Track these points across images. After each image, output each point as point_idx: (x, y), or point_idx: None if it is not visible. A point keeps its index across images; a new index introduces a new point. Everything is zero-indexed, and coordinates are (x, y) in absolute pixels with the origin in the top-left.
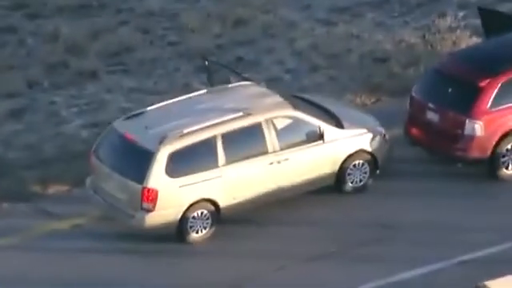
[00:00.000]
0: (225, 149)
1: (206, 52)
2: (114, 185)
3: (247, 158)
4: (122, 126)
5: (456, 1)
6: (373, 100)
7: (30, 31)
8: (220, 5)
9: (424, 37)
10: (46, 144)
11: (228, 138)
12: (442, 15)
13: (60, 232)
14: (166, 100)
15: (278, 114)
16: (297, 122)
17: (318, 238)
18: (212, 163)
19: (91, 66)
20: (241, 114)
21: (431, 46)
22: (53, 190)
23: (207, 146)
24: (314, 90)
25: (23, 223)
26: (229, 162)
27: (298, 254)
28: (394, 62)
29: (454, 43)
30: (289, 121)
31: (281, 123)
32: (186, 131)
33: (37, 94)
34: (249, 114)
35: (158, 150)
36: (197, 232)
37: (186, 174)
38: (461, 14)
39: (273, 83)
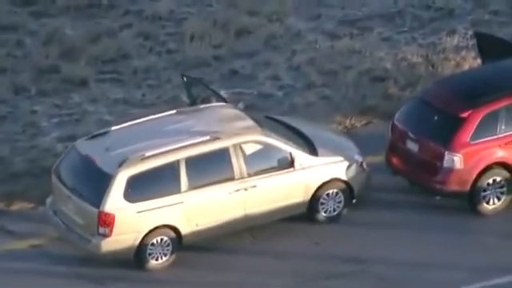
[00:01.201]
0: (188, 174)
1: (202, 63)
2: (72, 207)
3: (212, 184)
4: (84, 147)
5: (470, 18)
6: (363, 122)
7: (32, 31)
8: (229, 11)
9: (427, 56)
10: (17, 157)
11: (192, 162)
12: (452, 33)
13: (16, 252)
14: (151, 114)
15: (247, 139)
16: (267, 148)
17: (281, 269)
18: (174, 188)
19: (82, 73)
20: (208, 137)
21: (432, 66)
22: (17, 206)
23: (169, 171)
24: (303, 110)
25: None
26: (192, 187)
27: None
28: (391, 81)
29: (457, 64)
30: (258, 146)
31: (250, 149)
32: (147, 154)
33: (21, 102)
34: (216, 138)
35: (116, 173)
36: (156, 259)
37: (146, 198)
38: (470, 32)
39: (263, 100)
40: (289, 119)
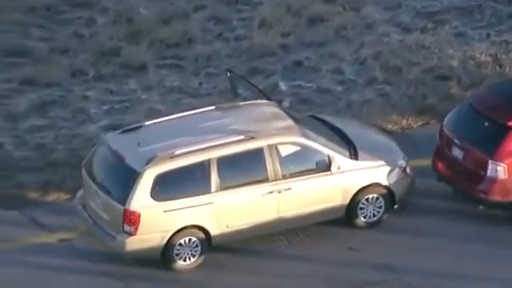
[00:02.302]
0: (219, 174)
1: (267, 52)
2: (100, 202)
3: (244, 185)
4: (115, 141)
5: None
6: (420, 123)
7: (104, 8)
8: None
9: (496, 56)
10: (59, 145)
11: (224, 162)
12: None
13: (44, 246)
14: (201, 106)
15: (283, 140)
16: (304, 150)
17: (312, 275)
18: (203, 188)
19: (142, 57)
20: (242, 137)
21: (500, 66)
22: (52, 197)
23: (200, 170)
24: (359, 107)
25: (9, 233)
26: (223, 188)
27: None
28: (455, 81)
29: None
30: (295, 148)
31: (286, 150)
32: (177, 152)
33: (75, 86)
34: (251, 138)
35: (143, 170)
36: (184, 260)
37: (174, 197)
38: None
39: (321, 95)
40: (334, 119)
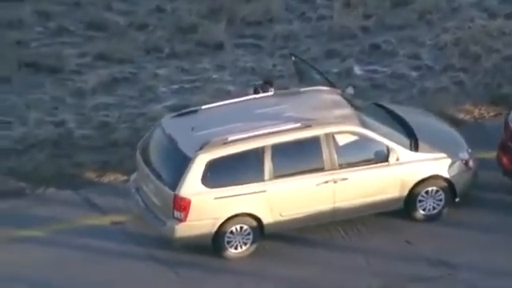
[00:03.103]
0: (273, 162)
1: (347, 34)
2: (152, 187)
3: (299, 173)
4: (169, 124)
5: None
6: (492, 113)
7: None
8: None
9: None
10: (123, 124)
11: (279, 150)
12: None
13: (96, 227)
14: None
15: (340, 129)
16: (362, 140)
17: (366, 268)
18: (257, 176)
19: (219, 35)
20: (298, 125)
21: None
22: (109, 178)
23: (253, 157)
24: (432, 95)
25: (62, 213)
26: (277, 176)
27: (339, 286)
28: None
29: None
30: (353, 137)
31: (343, 139)
32: (230, 139)
33: (148, 63)
34: (307, 126)
35: (195, 156)
36: (235, 248)
37: (226, 184)
38: None
39: (394, 80)
40: (398, 108)
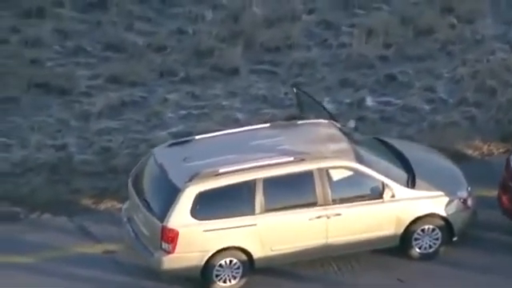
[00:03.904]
0: (265, 195)
1: (365, 63)
2: (142, 216)
3: (291, 208)
4: (162, 154)
5: None
6: (501, 150)
7: (217, 4)
8: (422, 6)
9: None
10: (125, 150)
11: (271, 183)
12: None
13: (88, 256)
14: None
15: (335, 164)
16: (357, 175)
17: None
18: (247, 209)
19: (236, 61)
20: (292, 158)
21: None
22: (106, 205)
23: (244, 190)
24: (441, 129)
25: (54, 240)
26: (268, 209)
27: None
28: None
29: None
30: (348, 172)
31: (338, 174)
32: (221, 170)
33: (160, 87)
34: (301, 160)
35: (185, 187)
36: (224, 281)
37: (215, 217)
38: None
39: (405, 113)
40: (399, 143)
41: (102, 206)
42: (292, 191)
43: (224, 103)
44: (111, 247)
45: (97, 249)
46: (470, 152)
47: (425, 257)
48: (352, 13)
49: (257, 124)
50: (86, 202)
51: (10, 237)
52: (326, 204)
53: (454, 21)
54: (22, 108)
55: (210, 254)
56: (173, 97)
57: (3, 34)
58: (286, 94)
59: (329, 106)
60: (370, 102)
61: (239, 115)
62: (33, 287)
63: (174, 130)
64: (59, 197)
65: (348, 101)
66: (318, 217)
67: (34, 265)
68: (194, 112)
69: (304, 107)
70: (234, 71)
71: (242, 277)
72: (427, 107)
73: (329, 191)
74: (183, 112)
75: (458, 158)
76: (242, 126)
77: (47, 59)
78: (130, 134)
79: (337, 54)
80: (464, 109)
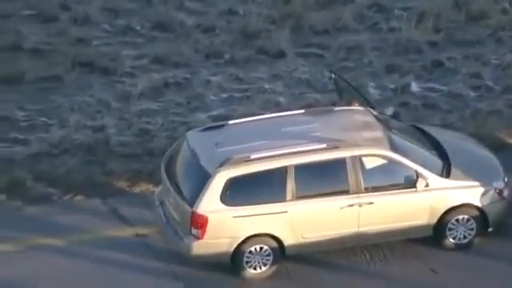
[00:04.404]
0: (296, 182)
1: (414, 48)
2: (173, 201)
3: (323, 195)
4: (195, 138)
5: None
6: None
7: None
8: None
9: None
10: (164, 132)
11: (303, 170)
12: None
13: (119, 239)
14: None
15: (368, 152)
16: (390, 164)
17: None
18: (278, 196)
19: (283, 43)
20: (325, 145)
21: None
22: (140, 188)
23: (275, 177)
24: (483, 118)
25: (86, 223)
26: (299, 197)
27: None
28: None
29: None
30: (381, 160)
31: (371, 162)
32: (253, 157)
33: (204, 68)
34: (334, 147)
35: (215, 173)
36: (255, 268)
37: (246, 203)
38: None
39: (449, 100)
40: (437, 131)
41: (137, 189)
42: (324, 179)
43: (267, 86)
44: (143, 231)
45: (128, 232)
46: (511, 141)
47: (459, 247)
48: None
49: (298, 108)
50: (121, 184)
51: (43, 218)
52: (358, 192)
53: (507, 6)
54: (65, 87)
55: (239, 241)
56: (216, 79)
57: (53, 11)
58: (330, 78)
59: (373, 92)
60: (414, 87)
61: (281, 99)
62: (60, 270)
63: (214, 113)
64: (94, 179)
65: (392, 86)
66: (350, 205)
67: (64, 247)
68: (236, 95)
69: (343, 93)
70: (280, 54)
71: (272, 264)
72: (472, 94)
73: (361, 179)
74: (225, 95)
75: (498, 146)
76: (283, 110)
77: (94, 38)
78: (170, 117)
79: (386, 39)
80: (509, 97)
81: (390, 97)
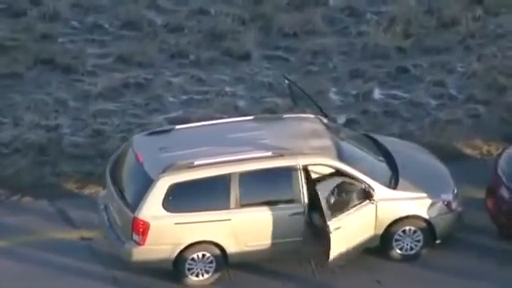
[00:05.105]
0: (241, 190)
1: (380, 54)
2: (116, 205)
3: (267, 204)
4: (140, 143)
5: None
6: (500, 150)
7: None
8: None
9: None
10: (118, 134)
11: (247, 178)
12: None
13: (64, 242)
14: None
15: (314, 161)
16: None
17: None
18: (222, 204)
19: (249, 46)
20: (270, 153)
21: None
22: (90, 190)
23: (219, 184)
24: (442, 127)
25: (33, 224)
26: (243, 205)
27: None
28: None
29: None
30: (327, 169)
31: (318, 171)
32: (197, 163)
33: (167, 69)
34: (280, 156)
35: (158, 178)
36: (197, 275)
37: (188, 210)
38: None
39: (410, 108)
40: (390, 141)
41: (86, 191)
42: (269, 187)
43: (228, 89)
44: (88, 234)
45: (74, 235)
46: (468, 151)
47: (406, 258)
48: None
49: (257, 113)
50: (70, 186)
51: None
52: (302, 201)
53: (480, 13)
54: (25, 85)
55: (181, 248)
56: (177, 80)
57: (23, 6)
58: (293, 82)
59: (334, 97)
60: (377, 94)
61: (241, 103)
62: (2, 272)
63: (172, 115)
64: (43, 179)
65: (354, 92)
66: (295, 214)
67: (8, 249)
68: (196, 97)
69: (296, 99)
70: (246, 56)
71: (215, 271)
72: (433, 102)
73: (306, 188)
74: (185, 97)
75: (455, 156)
76: (241, 115)
77: (60, 34)
78: (127, 118)
79: (354, 43)
80: (470, 106)
81: (351, 103)
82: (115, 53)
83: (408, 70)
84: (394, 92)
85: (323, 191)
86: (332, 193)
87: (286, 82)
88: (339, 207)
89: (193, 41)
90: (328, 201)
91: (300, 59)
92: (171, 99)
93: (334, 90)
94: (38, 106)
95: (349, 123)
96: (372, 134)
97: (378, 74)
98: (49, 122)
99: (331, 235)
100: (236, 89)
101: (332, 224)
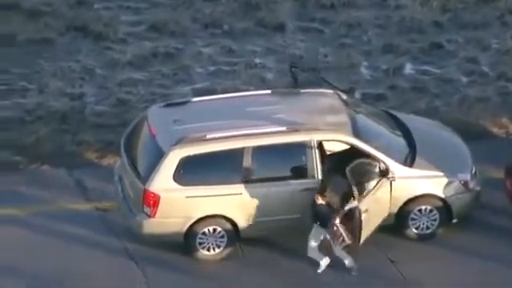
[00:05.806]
0: (253, 164)
1: (417, 28)
2: (128, 177)
3: (280, 179)
4: (155, 115)
5: None
6: None
7: None
8: None
9: None
10: (142, 104)
11: (260, 152)
12: None
13: (78, 212)
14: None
15: (328, 137)
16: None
17: (335, 282)
18: (233, 177)
19: (284, 16)
20: (284, 128)
21: None
22: (109, 160)
23: (231, 158)
24: (469, 104)
25: (49, 193)
26: (255, 179)
27: None
28: None
29: None
30: (342, 146)
31: (331, 147)
32: (209, 136)
33: (199, 39)
34: (294, 131)
35: (169, 151)
36: (208, 249)
37: (199, 183)
38: None
39: (440, 84)
40: (410, 118)
41: (105, 162)
42: (282, 162)
43: (258, 61)
44: (103, 205)
45: (89, 205)
46: (495, 129)
47: (421, 237)
48: None
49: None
50: (90, 155)
51: (4, 187)
52: (314, 177)
53: None
54: (55, 51)
55: (192, 221)
56: (208, 50)
57: None
58: (325, 55)
59: (364, 72)
60: (408, 69)
61: (269, 75)
62: (13, 241)
63: (198, 86)
64: (63, 148)
65: (385, 67)
66: (306, 189)
67: (22, 218)
68: (225, 68)
69: (297, 81)
70: (280, 27)
71: (226, 246)
72: (464, 79)
73: (319, 164)
74: (213, 68)
75: (480, 134)
76: (268, 87)
77: (96, 1)
78: (153, 88)
79: (390, 17)
80: (501, 84)
81: (381, 78)
82: (149, 21)
83: (442, 46)
84: (425, 68)
85: (351, 174)
86: (356, 174)
87: (292, 70)
88: (363, 189)
89: (227, 10)
90: (356, 184)
91: (335, 32)
92: (199, 70)
93: (365, 64)
94: (65, 73)
95: (375, 98)
96: (392, 111)
97: (411, 49)
98: (74, 90)
99: (362, 218)
100: (266, 61)
101: (362, 207)
